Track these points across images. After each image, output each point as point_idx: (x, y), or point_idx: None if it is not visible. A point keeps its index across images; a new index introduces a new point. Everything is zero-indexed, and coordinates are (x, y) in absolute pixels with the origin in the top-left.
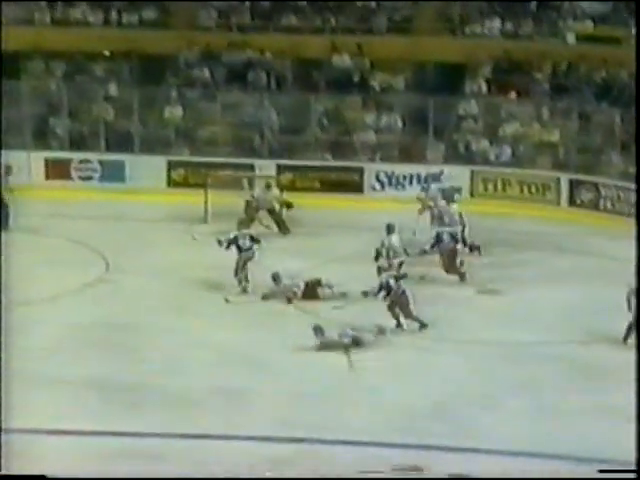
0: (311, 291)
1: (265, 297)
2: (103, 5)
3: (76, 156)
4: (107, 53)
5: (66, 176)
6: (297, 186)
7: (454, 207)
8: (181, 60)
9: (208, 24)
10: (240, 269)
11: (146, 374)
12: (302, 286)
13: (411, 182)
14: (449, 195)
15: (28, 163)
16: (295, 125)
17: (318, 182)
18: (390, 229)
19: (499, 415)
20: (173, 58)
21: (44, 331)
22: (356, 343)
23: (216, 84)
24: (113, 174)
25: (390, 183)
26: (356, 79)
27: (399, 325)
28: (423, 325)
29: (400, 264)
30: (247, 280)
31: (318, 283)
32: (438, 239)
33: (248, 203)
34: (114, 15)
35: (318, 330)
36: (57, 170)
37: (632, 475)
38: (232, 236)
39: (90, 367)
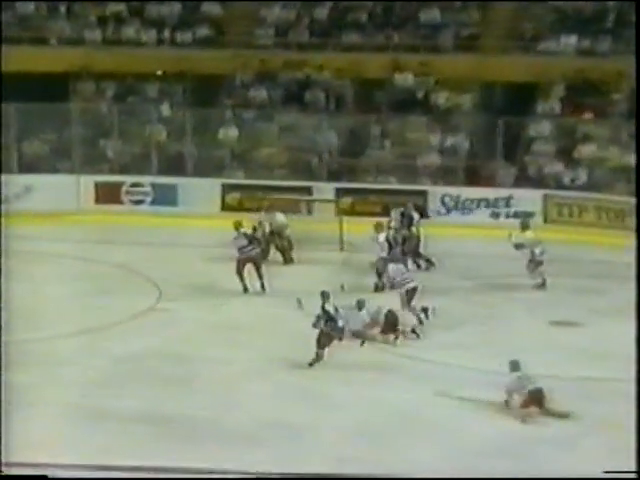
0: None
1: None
2: (156, 23)
3: (127, 179)
4: (160, 73)
5: (117, 200)
6: (357, 210)
7: (528, 233)
8: (236, 80)
9: (264, 42)
10: (241, 269)
11: (199, 407)
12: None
13: (479, 206)
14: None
15: (77, 187)
16: (355, 147)
17: (379, 206)
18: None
19: (574, 454)
20: (228, 78)
21: (93, 362)
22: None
23: (273, 104)
24: (165, 198)
25: (456, 207)
26: (420, 98)
27: (317, 359)
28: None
29: (410, 289)
30: (243, 282)
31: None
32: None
33: (260, 224)
34: (167, 34)
35: None
36: (107, 194)
37: (632, 475)
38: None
39: (140, 400)
